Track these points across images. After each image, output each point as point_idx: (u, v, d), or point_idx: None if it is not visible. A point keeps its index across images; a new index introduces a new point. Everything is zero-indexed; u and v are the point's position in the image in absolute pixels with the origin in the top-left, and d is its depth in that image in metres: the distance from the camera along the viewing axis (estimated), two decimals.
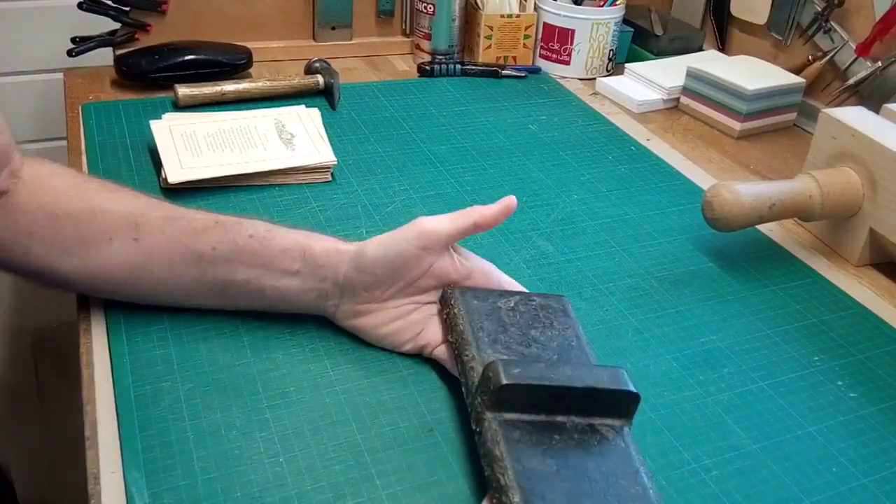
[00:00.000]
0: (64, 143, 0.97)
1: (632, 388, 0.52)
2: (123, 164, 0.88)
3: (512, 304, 0.60)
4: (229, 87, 1.03)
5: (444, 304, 0.61)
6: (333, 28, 1.23)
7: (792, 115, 1.12)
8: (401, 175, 0.91)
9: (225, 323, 0.66)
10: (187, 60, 1.06)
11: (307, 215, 0.82)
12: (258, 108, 0.99)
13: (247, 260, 0.61)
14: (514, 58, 1.24)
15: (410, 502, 0.52)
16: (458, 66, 1.20)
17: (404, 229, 0.60)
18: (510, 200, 0.62)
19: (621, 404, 0.52)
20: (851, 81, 1.06)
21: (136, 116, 0.98)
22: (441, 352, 0.62)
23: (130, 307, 0.66)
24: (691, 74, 1.12)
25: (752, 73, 1.10)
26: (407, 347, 0.63)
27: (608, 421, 0.52)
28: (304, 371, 0.62)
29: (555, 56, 1.24)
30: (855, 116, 0.83)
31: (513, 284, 0.65)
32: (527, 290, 0.65)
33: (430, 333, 0.63)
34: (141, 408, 0.57)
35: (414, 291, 0.62)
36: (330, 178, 0.89)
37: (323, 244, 0.62)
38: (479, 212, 0.61)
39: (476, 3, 1.23)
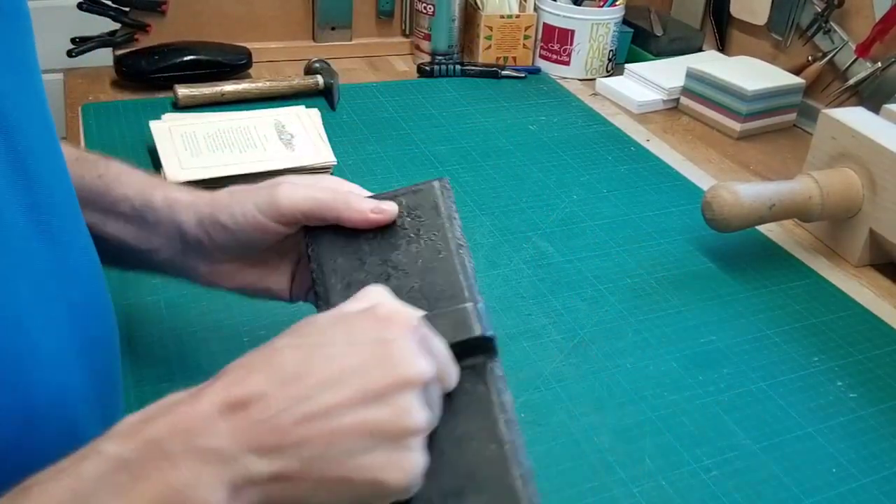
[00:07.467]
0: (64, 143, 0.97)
1: (479, 332, 0.43)
2: None
3: (373, 239, 0.50)
4: (229, 87, 1.03)
5: (303, 243, 0.52)
6: (333, 28, 1.23)
7: (792, 116, 1.12)
8: (400, 175, 0.91)
9: (225, 323, 0.66)
10: (187, 61, 1.06)
11: None
12: (258, 108, 0.99)
13: (92, 201, 0.55)
14: (514, 58, 1.24)
15: None
16: (458, 67, 1.20)
17: (261, 193, 0.51)
18: (388, 212, 0.50)
19: (478, 348, 0.44)
20: (851, 82, 1.06)
21: (136, 117, 0.98)
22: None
23: (130, 307, 0.66)
24: (691, 75, 1.12)
25: (751, 73, 1.10)
26: (288, 300, 0.56)
27: (469, 361, 0.43)
28: None
29: (554, 56, 1.24)
30: (855, 117, 0.83)
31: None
32: (395, 192, 0.52)
33: (304, 282, 0.55)
34: (141, 409, 0.57)
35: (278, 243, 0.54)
36: None
37: (165, 193, 0.54)
38: (345, 206, 0.50)
39: (476, 4, 1.23)
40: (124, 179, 0.56)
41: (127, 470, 0.34)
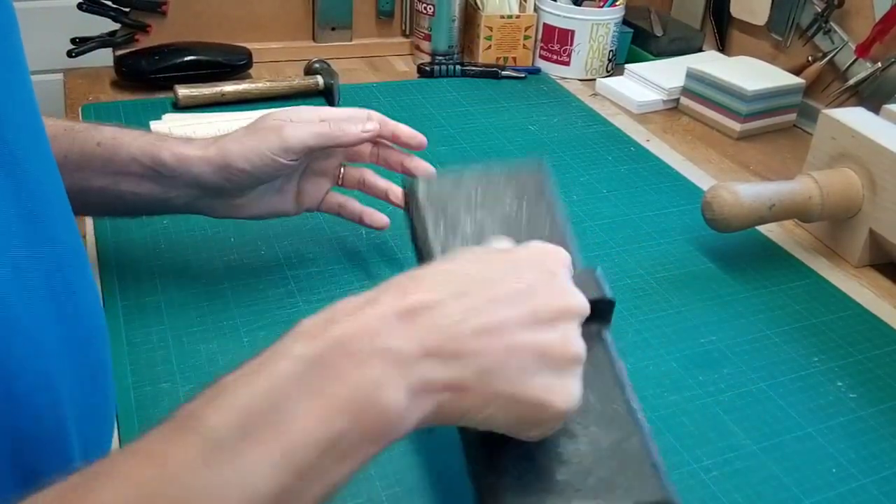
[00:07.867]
0: None
1: (606, 293, 0.46)
2: None
3: (480, 195, 0.54)
4: (229, 87, 1.03)
5: (407, 198, 0.55)
6: (333, 29, 1.23)
7: (792, 116, 1.12)
8: (401, 176, 0.91)
9: (225, 323, 0.66)
10: (187, 61, 1.06)
11: (306, 216, 0.82)
12: (258, 109, 0.99)
13: (98, 168, 0.61)
14: (514, 58, 1.24)
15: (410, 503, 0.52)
16: (458, 67, 1.20)
17: (268, 137, 0.62)
18: (373, 128, 0.65)
19: (595, 312, 0.45)
20: (851, 82, 1.06)
21: (136, 117, 0.98)
22: (328, 207, 0.72)
23: (130, 307, 0.67)
24: (691, 75, 1.12)
25: (751, 73, 1.10)
26: (293, 214, 0.69)
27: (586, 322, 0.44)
28: None
29: (555, 57, 1.24)
30: (855, 117, 0.83)
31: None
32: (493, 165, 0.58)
33: (309, 195, 0.70)
34: (141, 409, 0.57)
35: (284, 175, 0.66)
36: None
37: (172, 150, 0.62)
38: (342, 133, 0.64)
39: (476, 4, 1.23)
40: (123, 142, 0.61)
41: (318, 369, 0.34)
